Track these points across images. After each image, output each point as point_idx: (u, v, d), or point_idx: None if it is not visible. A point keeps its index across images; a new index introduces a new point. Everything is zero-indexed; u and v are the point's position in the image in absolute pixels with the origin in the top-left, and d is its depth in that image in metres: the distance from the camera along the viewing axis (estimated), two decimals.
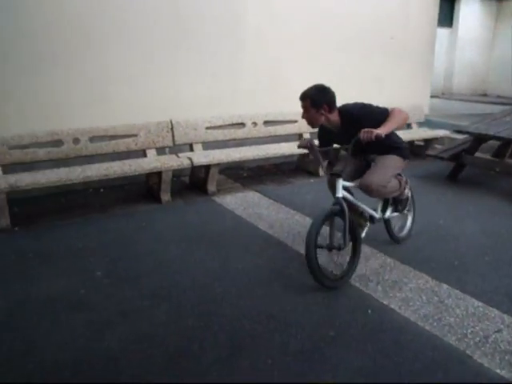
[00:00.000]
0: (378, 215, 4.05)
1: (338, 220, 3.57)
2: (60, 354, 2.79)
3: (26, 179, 4.93)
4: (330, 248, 3.54)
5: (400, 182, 3.95)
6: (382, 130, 3.33)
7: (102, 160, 5.79)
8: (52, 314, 3.22)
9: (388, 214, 4.17)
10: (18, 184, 4.85)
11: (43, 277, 3.78)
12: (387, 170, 3.72)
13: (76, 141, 5.75)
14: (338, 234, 3.73)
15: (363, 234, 3.97)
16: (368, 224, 4.06)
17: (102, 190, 6.25)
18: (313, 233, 3.31)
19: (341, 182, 3.54)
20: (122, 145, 6.00)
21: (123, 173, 5.39)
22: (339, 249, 3.53)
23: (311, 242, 3.29)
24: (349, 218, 3.47)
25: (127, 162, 5.68)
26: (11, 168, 5.41)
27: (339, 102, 3.72)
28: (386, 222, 4.28)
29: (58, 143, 5.69)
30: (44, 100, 5.88)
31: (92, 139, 5.85)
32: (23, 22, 5.58)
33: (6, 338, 2.95)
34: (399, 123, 3.52)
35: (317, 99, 3.59)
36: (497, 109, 10.44)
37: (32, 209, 5.47)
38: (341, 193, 3.54)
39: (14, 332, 3.02)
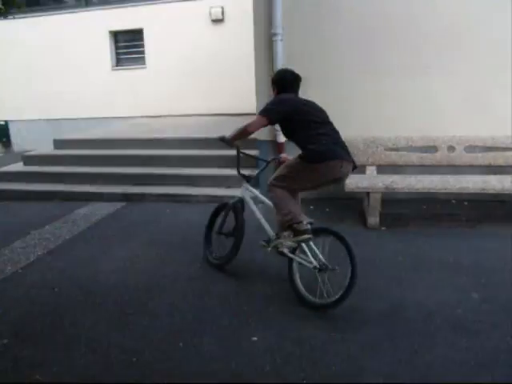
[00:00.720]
0: (272, 239, 3.67)
1: None
2: None
3: (401, 182, 5.00)
4: (219, 233, 4.12)
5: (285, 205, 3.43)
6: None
7: (469, 171, 5.42)
8: (432, 328, 3.09)
9: (286, 245, 3.54)
10: (393, 186, 4.96)
11: (418, 286, 3.71)
12: (282, 168, 3.53)
13: (451, 149, 5.54)
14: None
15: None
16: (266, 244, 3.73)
17: (465, 203, 5.87)
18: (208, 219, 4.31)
19: (245, 186, 4.04)
20: (499, 158, 5.47)
21: (502, 189, 4.87)
22: (227, 236, 4.04)
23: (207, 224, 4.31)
24: (239, 218, 3.91)
25: (506, 177, 5.11)
26: (382, 169, 5.61)
27: None
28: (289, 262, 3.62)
29: (431, 149, 5.60)
30: (421, 105, 5.84)
31: (467, 149, 5.53)
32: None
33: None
34: (240, 133, 3.60)
35: (273, 78, 3.76)
36: None
37: (396, 211, 5.55)
38: (242, 194, 4.03)
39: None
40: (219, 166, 6.90)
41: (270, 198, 3.58)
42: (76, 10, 11.24)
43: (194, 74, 10.72)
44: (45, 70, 11.52)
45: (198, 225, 4.62)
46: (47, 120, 11.76)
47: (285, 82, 3.63)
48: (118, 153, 7.38)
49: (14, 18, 11.13)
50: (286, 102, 3.46)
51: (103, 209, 6.23)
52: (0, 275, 4.33)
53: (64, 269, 4.41)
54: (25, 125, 12.02)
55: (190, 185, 6.61)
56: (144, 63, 11.16)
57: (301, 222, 3.32)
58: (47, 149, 8.12)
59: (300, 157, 3.37)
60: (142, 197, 6.48)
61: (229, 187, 6.56)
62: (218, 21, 10.57)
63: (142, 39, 11.10)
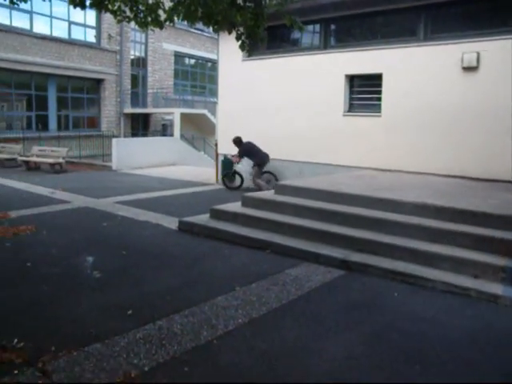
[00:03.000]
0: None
1: None
2: None
3: None
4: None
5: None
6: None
7: None
8: None
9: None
10: None
11: None
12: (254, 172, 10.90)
13: None
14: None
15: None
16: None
17: None
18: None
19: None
20: None
21: None
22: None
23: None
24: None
25: None
26: None
27: None
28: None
29: None
30: None
31: None
32: None
33: None
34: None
35: None
36: None
37: None
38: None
39: None
40: (465, 246, 5.42)
41: (255, 185, 10.46)
42: (314, 53, 10.97)
43: (435, 127, 9.32)
44: (274, 108, 11.48)
45: (439, 333, 3.32)
46: (271, 159, 11.65)
47: None
48: (342, 209, 6.44)
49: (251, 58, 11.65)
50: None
51: (318, 274, 5.30)
52: (193, 341, 3.68)
53: (264, 352, 3.54)
54: (248, 161, 12.12)
55: (425, 264, 5.27)
56: (379, 111, 10.21)
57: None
58: (268, 193, 7.67)
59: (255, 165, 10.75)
60: (364, 268, 5.38)
61: (476, 277, 5.04)
62: (470, 68, 9.04)
63: (379, 85, 10.20)
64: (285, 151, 11.39)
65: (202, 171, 15.50)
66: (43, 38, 19.38)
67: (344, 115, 10.64)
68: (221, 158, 12.64)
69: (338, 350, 3.61)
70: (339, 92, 10.65)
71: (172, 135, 20.18)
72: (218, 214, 7.24)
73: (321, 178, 8.30)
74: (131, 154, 15.85)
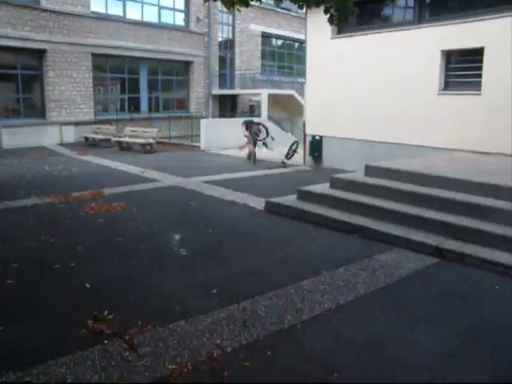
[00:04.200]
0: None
1: None
2: None
3: None
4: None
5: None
6: None
7: None
8: None
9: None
10: None
11: None
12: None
13: None
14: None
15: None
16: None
17: None
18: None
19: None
20: None
21: None
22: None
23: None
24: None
25: None
26: None
27: None
28: None
29: None
30: None
31: None
32: None
33: None
34: None
35: None
36: None
37: None
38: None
39: None
40: None
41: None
42: (406, 28, 10.31)
43: None
44: (362, 87, 11.01)
45: None
46: (360, 140, 11.24)
47: None
48: (437, 193, 6.01)
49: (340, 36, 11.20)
50: None
51: (409, 261, 4.99)
52: (277, 324, 3.58)
53: (351, 339, 3.36)
54: (337, 142, 11.79)
55: None
56: (478, 89, 9.43)
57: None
58: (357, 175, 7.35)
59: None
60: (461, 257, 4.97)
61: None
62: None
63: (479, 61, 9.39)
64: (374, 132, 10.92)
65: None
66: (135, 23, 20.05)
67: (439, 94, 9.96)
68: (308, 139, 12.40)
69: (431, 344, 3.34)
70: (434, 69, 9.96)
71: (259, 116, 20.15)
72: (305, 196, 7.08)
73: (414, 160, 7.83)
74: (219, 135, 16.04)
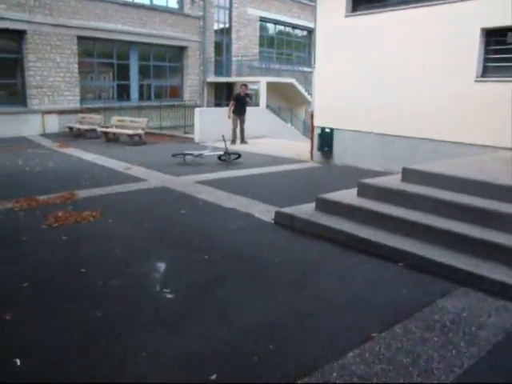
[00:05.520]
0: None
1: None
2: None
3: None
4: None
5: None
6: None
7: None
8: None
9: None
10: None
11: None
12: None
13: None
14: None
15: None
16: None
17: None
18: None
19: None
20: None
21: None
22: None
23: None
24: None
25: None
26: None
27: None
28: None
29: None
30: None
31: None
32: None
33: None
34: None
35: None
36: None
37: None
38: None
39: None
40: None
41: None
42: (436, 2, 8.77)
43: None
44: (382, 73, 9.49)
45: None
46: (378, 134, 9.75)
47: None
48: (507, 209, 4.53)
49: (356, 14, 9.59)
50: None
51: (488, 311, 3.50)
52: None
53: None
54: (350, 135, 10.30)
55: None
56: None
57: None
58: (391, 180, 5.83)
59: None
60: None
61: None
62: None
63: None
64: (395, 125, 9.42)
65: (293, 146, 13.87)
66: (125, 4, 18.40)
67: (476, 81, 8.44)
68: (317, 132, 10.88)
69: None
70: (470, 52, 8.44)
71: (257, 105, 18.56)
72: (326, 206, 5.57)
73: (459, 162, 6.30)
74: (215, 126, 14.46)
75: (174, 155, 10.44)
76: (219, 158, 10.37)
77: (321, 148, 10.77)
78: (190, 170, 9.42)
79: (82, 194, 7.15)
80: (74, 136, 15.67)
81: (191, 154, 10.37)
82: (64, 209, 6.18)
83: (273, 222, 5.80)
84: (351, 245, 4.83)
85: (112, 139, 14.77)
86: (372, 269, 4.33)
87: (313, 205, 5.78)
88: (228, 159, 10.29)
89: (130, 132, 13.91)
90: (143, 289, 3.87)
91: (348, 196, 5.66)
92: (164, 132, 16.14)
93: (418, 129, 9.06)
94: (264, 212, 6.17)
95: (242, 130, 14.23)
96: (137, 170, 9.30)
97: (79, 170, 9.37)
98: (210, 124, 14.43)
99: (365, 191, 5.59)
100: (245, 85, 14.38)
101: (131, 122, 14.72)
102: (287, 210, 5.79)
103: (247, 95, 14.34)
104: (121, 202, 6.76)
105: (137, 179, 8.42)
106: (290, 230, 5.49)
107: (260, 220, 5.93)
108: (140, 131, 14.03)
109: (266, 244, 5.05)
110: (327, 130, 10.49)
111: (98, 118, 16.11)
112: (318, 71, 10.92)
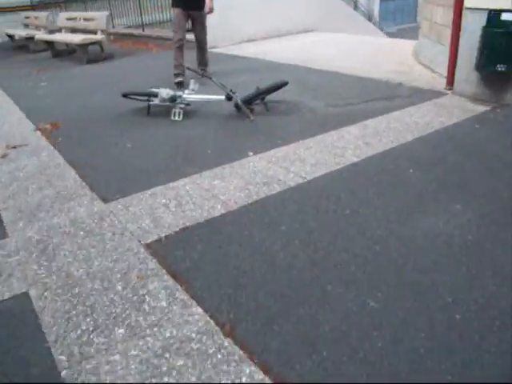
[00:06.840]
0: None
1: None
2: None
3: None
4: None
5: None
6: None
7: None
8: None
9: None
10: None
11: None
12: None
13: None
14: None
15: None
16: None
17: None
18: None
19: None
20: None
21: None
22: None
23: None
24: None
25: None
26: None
27: None
28: None
29: None
30: None
31: None
32: None
33: None
34: None
35: None
36: None
37: None
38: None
39: None
40: None
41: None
42: None
43: None
44: None
45: None
46: None
47: None
48: None
49: None
50: None
51: None
52: None
53: None
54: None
55: None
56: None
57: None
58: None
59: None
60: None
61: None
62: None
63: None
64: None
65: (378, 46, 7.49)
66: None
67: None
68: (474, 23, 4.44)
69: None
70: None
71: None
72: None
73: None
74: (232, 15, 8.09)
75: (124, 95, 4.50)
76: (236, 105, 4.37)
77: (487, 65, 4.36)
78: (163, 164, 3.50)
79: None
80: (18, 48, 10.40)
81: (156, 96, 4.40)
82: None
83: None
84: None
85: (62, 54, 8.79)
86: None
87: None
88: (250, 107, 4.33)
89: (79, 39, 7.73)
90: None
91: None
92: (147, 33, 9.66)
93: None
94: None
95: (202, 49, 5.94)
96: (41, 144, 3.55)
97: None
98: (223, 13, 7.78)
99: None
100: None
101: (84, 20, 8.47)
102: None
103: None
104: None
105: None
106: None
107: None
108: (99, 36, 7.88)
109: None
110: (507, 18, 4.14)
111: (43, 16, 10.00)
112: None
